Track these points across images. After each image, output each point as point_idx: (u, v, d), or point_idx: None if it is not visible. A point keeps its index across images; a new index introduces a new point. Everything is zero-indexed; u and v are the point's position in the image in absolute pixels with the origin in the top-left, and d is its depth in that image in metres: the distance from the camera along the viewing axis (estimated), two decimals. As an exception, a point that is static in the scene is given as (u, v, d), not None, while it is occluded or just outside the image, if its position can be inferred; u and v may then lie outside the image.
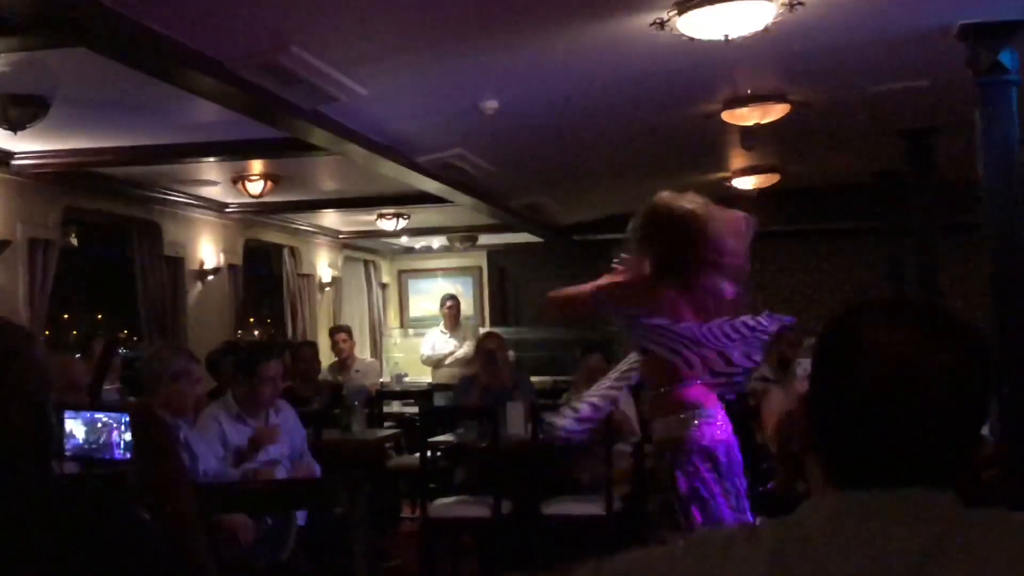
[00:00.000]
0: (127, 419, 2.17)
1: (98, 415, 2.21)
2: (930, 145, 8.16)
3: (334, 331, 10.82)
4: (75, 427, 2.22)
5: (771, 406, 6.32)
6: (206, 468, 5.12)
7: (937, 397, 1.33)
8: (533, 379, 8.92)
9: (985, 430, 1.47)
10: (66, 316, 15.42)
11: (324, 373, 9.57)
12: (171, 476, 2.05)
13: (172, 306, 9.48)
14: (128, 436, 2.17)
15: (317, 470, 5.79)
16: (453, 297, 12.35)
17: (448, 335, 11.93)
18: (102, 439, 2.21)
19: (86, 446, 2.22)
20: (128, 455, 2.17)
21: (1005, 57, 5.44)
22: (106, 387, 6.01)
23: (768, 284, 13.29)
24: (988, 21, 5.39)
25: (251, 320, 14.25)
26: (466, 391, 7.96)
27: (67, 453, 2.25)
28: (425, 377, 12.45)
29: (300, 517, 5.37)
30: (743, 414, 7.26)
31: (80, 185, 8.20)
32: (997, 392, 4.97)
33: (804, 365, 6.34)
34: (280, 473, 5.44)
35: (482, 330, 11.72)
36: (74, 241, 8.67)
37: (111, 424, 2.20)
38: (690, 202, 4.31)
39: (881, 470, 1.35)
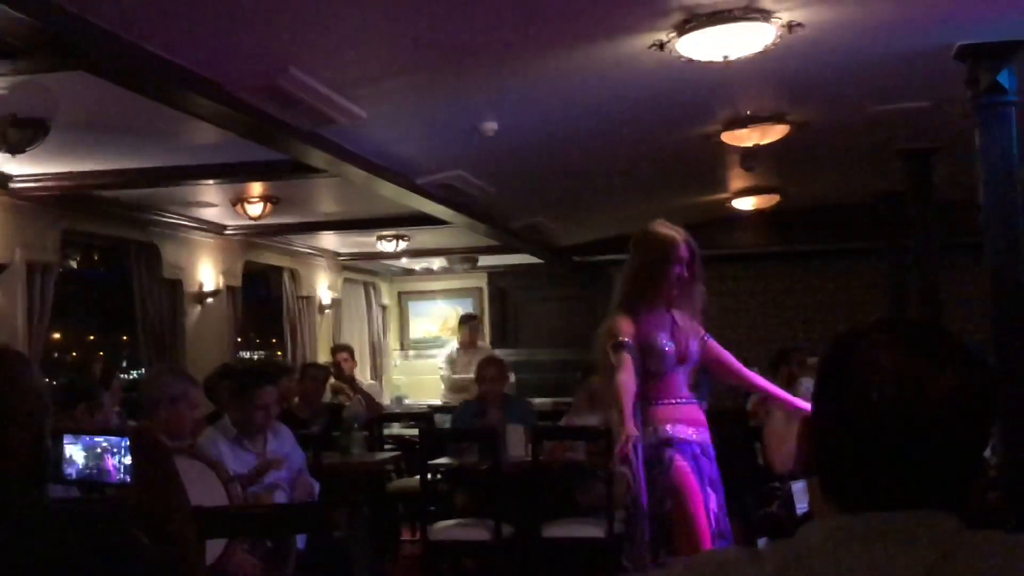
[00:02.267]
0: (127, 443, 2.17)
1: (98, 439, 2.22)
2: (930, 165, 8.17)
3: (336, 350, 10.81)
4: (75, 452, 2.22)
5: (774, 427, 6.34)
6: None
7: (939, 420, 1.33)
8: (534, 400, 8.91)
9: (987, 452, 1.47)
10: (93, 338, 15.46)
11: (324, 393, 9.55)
12: (171, 500, 2.05)
13: (171, 328, 9.47)
14: (127, 460, 2.17)
15: (316, 487, 5.78)
16: (474, 317, 12.39)
17: (464, 355, 11.85)
18: (102, 463, 2.21)
19: (86, 470, 2.22)
20: (127, 479, 2.17)
21: (1004, 77, 5.45)
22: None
23: (768, 304, 13.32)
24: (987, 42, 5.40)
25: (255, 341, 14.28)
26: (466, 414, 7.96)
27: (68, 477, 2.25)
28: (426, 399, 12.43)
29: (300, 540, 5.36)
30: (744, 435, 7.26)
31: (79, 208, 8.20)
32: (999, 414, 4.97)
33: (806, 384, 6.34)
34: (280, 497, 5.42)
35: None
36: (73, 264, 8.67)
37: (111, 448, 2.20)
38: (670, 229, 4.72)
39: (883, 492, 1.35)
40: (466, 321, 12.29)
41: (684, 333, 4.75)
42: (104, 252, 10.21)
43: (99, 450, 2.21)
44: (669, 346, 4.65)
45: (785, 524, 5.73)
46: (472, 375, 11.42)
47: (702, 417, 4.77)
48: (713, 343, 4.88)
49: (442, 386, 12.06)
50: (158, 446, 2.11)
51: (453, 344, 12.40)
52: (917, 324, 1.48)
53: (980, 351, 1.41)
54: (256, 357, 14.50)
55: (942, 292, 8.32)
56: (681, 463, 4.56)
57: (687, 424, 4.66)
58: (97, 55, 4.49)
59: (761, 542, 5.10)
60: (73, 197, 7.92)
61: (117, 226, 8.92)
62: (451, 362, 11.97)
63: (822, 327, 12.74)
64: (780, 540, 1.39)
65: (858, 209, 11.06)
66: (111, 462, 2.19)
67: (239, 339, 11.29)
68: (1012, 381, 5.27)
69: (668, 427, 4.62)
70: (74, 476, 2.24)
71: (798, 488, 5.71)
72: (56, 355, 13.94)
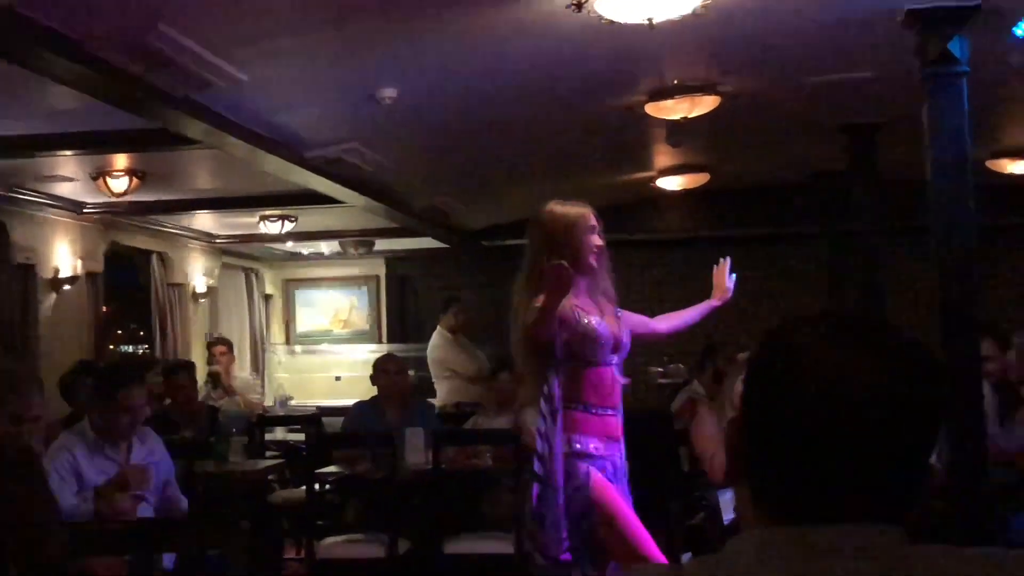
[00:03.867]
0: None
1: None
2: (873, 142, 8.28)
3: (212, 344, 10.70)
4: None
5: (703, 430, 6.39)
6: (60, 505, 5.00)
7: (879, 422, 1.33)
8: (435, 402, 8.88)
9: (933, 458, 1.48)
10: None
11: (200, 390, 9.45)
12: (40, 521, 2.00)
13: (22, 320, 9.31)
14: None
15: (183, 503, 5.69)
16: (459, 299, 11.81)
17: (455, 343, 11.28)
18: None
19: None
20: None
21: (955, 46, 5.51)
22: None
23: (698, 294, 13.41)
24: (937, 6, 5.45)
25: (122, 333, 14.03)
26: (361, 417, 7.92)
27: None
28: (313, 400, 12.35)
29: (167, 559, 5.27)
30: (669, 439, 7.31)
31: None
32: (946, 415, 5.03)
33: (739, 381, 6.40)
34: (144, 511, 5.33)
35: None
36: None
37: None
38: (573, 206, 4.72)
39: (817, 503, 1.35)
40: (452, 303, 11.47)
41: (613, 320, 4.73)
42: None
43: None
44: (603, 326, 4.62)
45: (710, 537, 5.79)
46: (464, 365, 11.01)
47: (620, 432, 4.74)
48: (626, 314, 4.88)
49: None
50: (24, 455, 2.07)
51: (442, 333, 11.37)
52: (857, 318, 1.49)
53: (926, 346, 1.42)
54: (141, 351, 14.24)
55: (885, 280, 8.46)
56: (597, 475, 4.56)
57: (602, 440, 4.64)
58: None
59: (685, 557, 5.15)
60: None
61: (-41, 203, 8.76)
62: (445, 349, 11.28)
63: (755, 320, 12.88)
64: (707, 555, 1.39)
65: (795, 190, 11.17)
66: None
67: (113, 331, 11.11)
68: (960, 379, 5.35)
69: (586, 441, 4.59)
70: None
71: (726, 498, 5.78)
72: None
